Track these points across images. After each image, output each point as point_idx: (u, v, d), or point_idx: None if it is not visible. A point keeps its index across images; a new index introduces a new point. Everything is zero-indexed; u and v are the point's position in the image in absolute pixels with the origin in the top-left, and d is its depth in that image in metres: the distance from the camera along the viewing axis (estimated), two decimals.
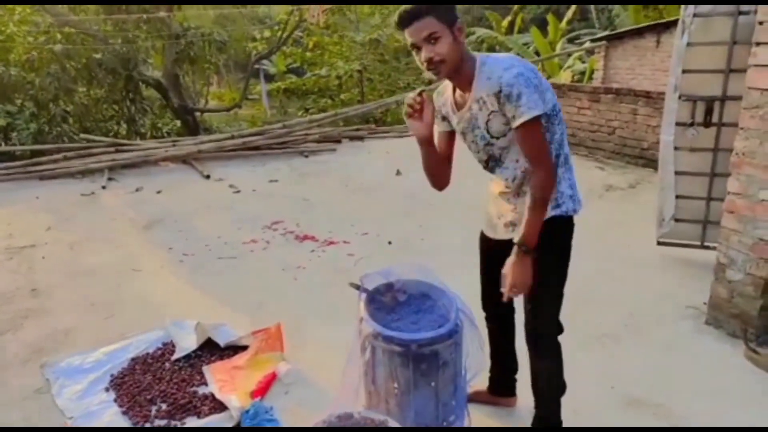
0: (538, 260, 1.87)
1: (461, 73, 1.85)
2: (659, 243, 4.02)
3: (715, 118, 3.69)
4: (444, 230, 4.73)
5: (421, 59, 1.81)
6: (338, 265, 4.05)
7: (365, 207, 5.44)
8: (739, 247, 2.90)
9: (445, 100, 2.04)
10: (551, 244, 1.91)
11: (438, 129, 2.05)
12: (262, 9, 13.86)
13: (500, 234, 2.06)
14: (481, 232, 2.21)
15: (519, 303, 2.05)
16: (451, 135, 2.09)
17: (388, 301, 2.22)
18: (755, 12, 2.80)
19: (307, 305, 3.42)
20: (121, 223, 5.07)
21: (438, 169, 2.04)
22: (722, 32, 3.53)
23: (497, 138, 1.88)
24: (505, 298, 1.90)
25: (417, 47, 1.80)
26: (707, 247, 3.82)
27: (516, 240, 1.85)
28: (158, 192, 6.06)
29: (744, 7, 3.40)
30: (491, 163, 1.97)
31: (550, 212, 1.89)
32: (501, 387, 2.41)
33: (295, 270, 3.98)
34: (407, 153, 7.76)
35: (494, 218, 2.10)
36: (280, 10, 13.48)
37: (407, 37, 1.81)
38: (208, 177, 6.63)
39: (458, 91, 1.96)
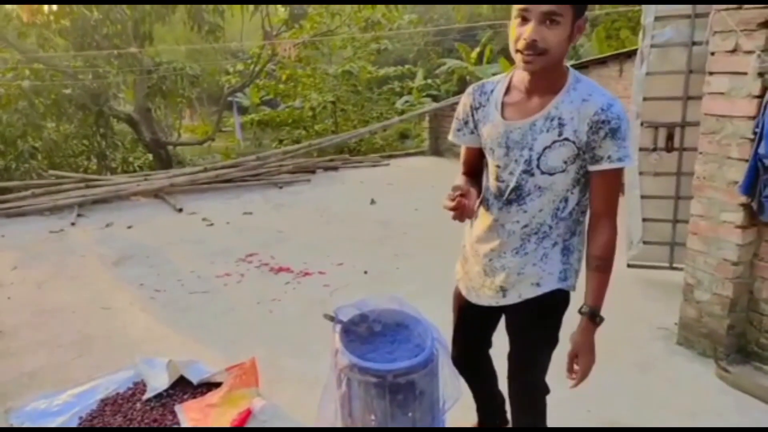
0: (539, 330, 1.71)
1: (549, 77, 1.49)
2: (629, 265, 4.10)
3: (676, 143, 3.82)
4: (419, 258, 4.74)
5: (521, 35, 1.39)
6: (314, 296, 4.02)
7: (340, 237, 5.44)
8: (704, 267, 2.98)
9: (490, 100, 1.62)
10: (555, 316, 1.71)
11: (462, 141, 1.69)
12: (234, 43, 13.98)
13: (485, 300, 1.76)
14: (458, 290, 1.89)
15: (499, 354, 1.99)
16: (482, 153, 1.70)
17: (363, 332, 2.21)
18: (707, 43, 2.94)
19: (282, 338, 3.38)
20: (91, 260, 4.96)
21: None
22: (678, 62, 3.69)
23: (543, 173, 1.54)
24: (576, 384, 1.64)
25: (525, 18, 1.39)
26: (675, 268, 3.91)
27: (584, 309, 1.58)
28: (129, 227, 5.97)
29: (697, 38, 3.56)
30: (511, 196, 1.60)
31: (558, 284, 1.64)
32: (493, 418, 2.25)
33: (270, 303, 3.93)
34: (381, 182, 7.84)
35: (477, 281, 1.76)
36: (252, 44, 13.62)
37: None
38: (180, 210, 6.56)
39: (518, 94, 1.56)
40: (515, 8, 1.41)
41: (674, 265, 3.97)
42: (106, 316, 3.79)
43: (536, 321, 1.70)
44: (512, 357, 1.84)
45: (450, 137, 1.76)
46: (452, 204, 1.48)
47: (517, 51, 1.42)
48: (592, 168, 1.53)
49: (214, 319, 3.68)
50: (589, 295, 1.58)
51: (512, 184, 1.59)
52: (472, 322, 1.89)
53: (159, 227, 5.97)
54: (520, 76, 1.55)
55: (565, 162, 1.52)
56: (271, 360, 3.02)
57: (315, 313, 3.28)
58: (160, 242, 5.41)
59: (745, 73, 2.68)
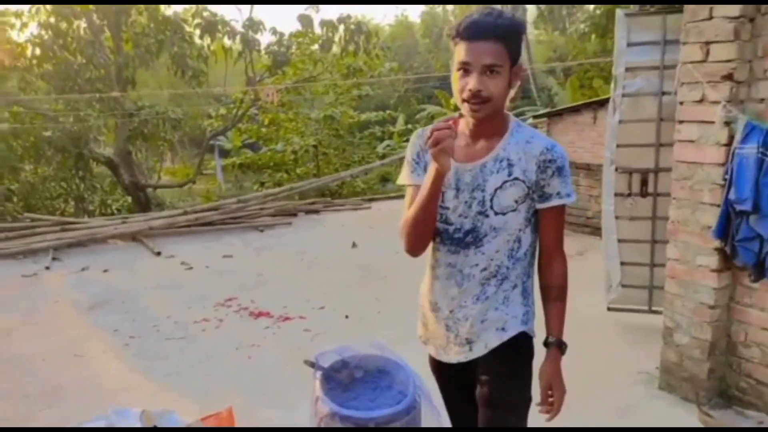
0: (511, 382, 1.64)
1: (493, 121, 1.56)
2: (609, 309, 4.12)
3: (650, 189, 3.92)
4: (400, 302, 4.70)
5: (465, 86, 1.47)
6: (294, 341, 3.95)
7: (321, 281, 5.40)
8: (683, 311, 3.01)
9: None
10: (524, 365, 1.66)
11: (418, 182, 1.61)
12: (217, 88, 14.17)
13: (453, 356, 1.68)
14: (430, 357, 1.80)
15: None
16: None
17: (344, 379, 2.17)
18: (675, 93, 3.06)
19: (261, 386, 3.29)
20: (64, 306, 4.83)
21: (432, 224, 1.61)
22: (649, 110, 3.82)
23: (496, 213, 1.56)
24: (553, 417, 1.61)
25: (466, 70, 1.47)
26: (655, 312, 3.94)
27: (551, 340, 1.60)
28: (105, 271, 5.85)
29: (666, 88, 3.71)
30: (468, 239, 1.59)
31: (521, 326, 1.62)
32: None
33: (249, 349, 3.85)
34: (362, 225, 7.85)
35: (442, 338, 1.69)
36: (236, 89, 13.81)
37: (461, 52, 1.47)
38: (158, 254, 6.47)
39: (465, 138, 1.60)
40: (456, 62, 1.49)
41: (653, 308, 4.00)
42: (77, 364, 3.66)
43: (508, 369, 1.63)
44: (484, 417, 1.68)
45: (403, 180, 1.69)
46: (444, 126, 1.43)
47: (464, 101, 1.50)
48: (541, 205, 1.58)
49: (190, 367, 3.58)
50: (552, 325, 1.61)
51: (467, 227, 1.59)
52: (456, 387, 1.76)
53: (136, 271, 5.86)
54: (464, 121, 1.61)
55: (516, 201, 1.56)
56: (248, 409, 2.93)
57: (295, 360, 3.22)
58: (137, 287, 5.30)
59: (712, 122, 2.78)
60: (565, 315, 1.63)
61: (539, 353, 1.67)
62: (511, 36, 1.47)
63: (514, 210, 1.57)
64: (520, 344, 1.64)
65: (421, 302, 1.77)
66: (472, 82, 1.46)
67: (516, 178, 1.55)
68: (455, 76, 1.51)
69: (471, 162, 1.59)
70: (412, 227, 1.58)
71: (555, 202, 1.57)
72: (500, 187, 1.56)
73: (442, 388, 1.82)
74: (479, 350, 1.64)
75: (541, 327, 1.66)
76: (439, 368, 1.77)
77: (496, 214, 1.57)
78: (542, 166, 1.54)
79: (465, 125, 1.61)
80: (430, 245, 1.67)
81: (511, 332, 1.62)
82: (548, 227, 1.61)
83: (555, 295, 1.62)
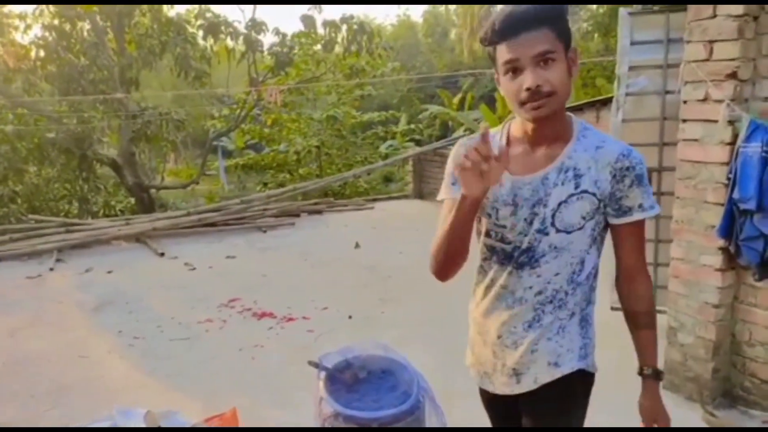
0: (561, 419, 1.50)
1: (555, 124, 1.36)
2: (613, 308, 4.10)
3: (654, 188, 3.91)
4: (404, 302, 4.71)
5: (521, 86, 1.27)
6: (297, 342, 3.95)
7: (325, 281, 5.40)
8: (687, 310, 3.00)
9: None
10: (579, 405, 1.52)
11: (452, 194, 1.43)
12: (220, 89, 14.19)
13: (500, 387, 1.51)
14: (479, 388, 1.64)
15: None
16: None
17: (348, 380, 2.17)
18: (679, 92, 3.05)
19: (264, 387, 3.30)
20: (68, 307, 4.84)
21: (461, 254, 1.39)
22: (653, 109, 3.81)
23: (559, 231, 1.36)
24: None
25: (515, 69, 1.28)
26: (659, 311, 3.91)
27: (647, 371, 1.47)
28: (109, 272, 5.86)
29: (670, 87, 3.70)
30: (522, 259, 1.41)
31: (578, 363, 1.46)
32: None
33: (253, 349, 3.86)
34: (366, 225, 7.85)
35: (488, 365, 1.53)
36: (238, 90, 13.83)
37: (504, 51, 1.28)
38: (162, 255, 6.48)
39: (521, 146, 1.40)
40: (500, 64, 1.31)
41: (657, 307, 3.97)
42: (82, 364, 3.67)
43: (557, 414, 1.48)
44: None
45: (443, 195, 1.49)
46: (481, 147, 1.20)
47: (522, 103, 1.30)
48: (619, 221, 1.39)
49: (194, 368, 3.59)
50: (645, 355, 1.49)
51: (524, 245, 1.40)
52: (505, 420, 1.62)
53: (140, 272, 5.87)
54: (520, 127, 1.41)
55: (584, 218, 1.36)
56: (252, 410, 2.94)
57: (298, 360, 3.22)
58: (141, 288, 5.31)
59: (716, 121, 2.78)
60: (656, 342, 1.50)
61: (599, 388, 1.56)
62: (555, 16, 1.28)
63: (580, 228, 1.37)
64: (576, 383, 1.47)
65: (469, 323, 1.61)
66: (528, 79, 1.26)
67: (585, 191, 1.35)
68: (504, 81, 1.32)
69: (531, 173, 1.38)
70: (437, 253, 1.41)
71: (636, 216, 1.37)
72: (564, 201, 1.35)
73: (492, 420, 1.68)
74: (527, 384, 1.47)
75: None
76: (490, 399, 1.60)
77: (558, 231, 1.37)
78: (618, 175, 1.34)
79: (521, 131, 1.41)
80: (481, 261, 1.52)
81: (566, 369, 1.45)
82: (626, 245, 1.42)
83: (644, 322, 1.47)
